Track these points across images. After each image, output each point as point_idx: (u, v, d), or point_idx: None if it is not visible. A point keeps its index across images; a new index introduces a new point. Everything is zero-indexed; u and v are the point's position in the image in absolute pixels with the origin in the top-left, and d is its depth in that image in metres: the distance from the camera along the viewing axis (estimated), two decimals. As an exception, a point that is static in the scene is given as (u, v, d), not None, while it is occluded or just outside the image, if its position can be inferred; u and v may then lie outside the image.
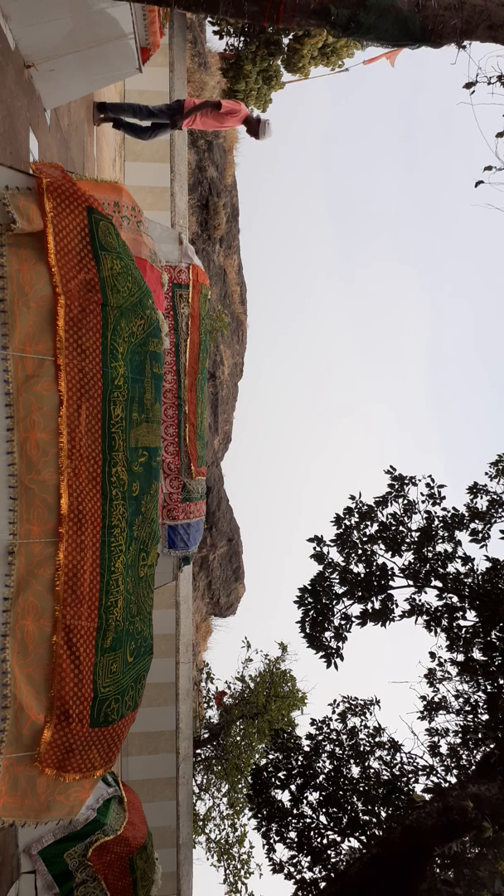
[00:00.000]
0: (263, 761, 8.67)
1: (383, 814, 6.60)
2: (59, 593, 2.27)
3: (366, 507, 7.55)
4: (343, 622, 7.40)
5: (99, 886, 3.78)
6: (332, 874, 6.51)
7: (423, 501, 7.46)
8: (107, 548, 2.37)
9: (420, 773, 6.86)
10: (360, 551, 7.45)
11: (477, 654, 6.84)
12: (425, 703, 7.22)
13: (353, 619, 7.38)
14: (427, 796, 6.25)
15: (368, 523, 7.53)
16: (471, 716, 6.92)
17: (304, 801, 6.88)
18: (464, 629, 6.99)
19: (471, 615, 6.98)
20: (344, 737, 7.21)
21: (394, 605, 7.32)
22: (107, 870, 3.83)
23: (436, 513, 7.36)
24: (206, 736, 12.49)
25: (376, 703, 7.43)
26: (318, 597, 7.44)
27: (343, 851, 6.69)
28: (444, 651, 7.19)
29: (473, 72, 4.47)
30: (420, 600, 7.26)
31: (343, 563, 7.50)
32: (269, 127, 6.61)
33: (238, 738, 12.13)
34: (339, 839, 6.68)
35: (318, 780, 6.89)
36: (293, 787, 6.98)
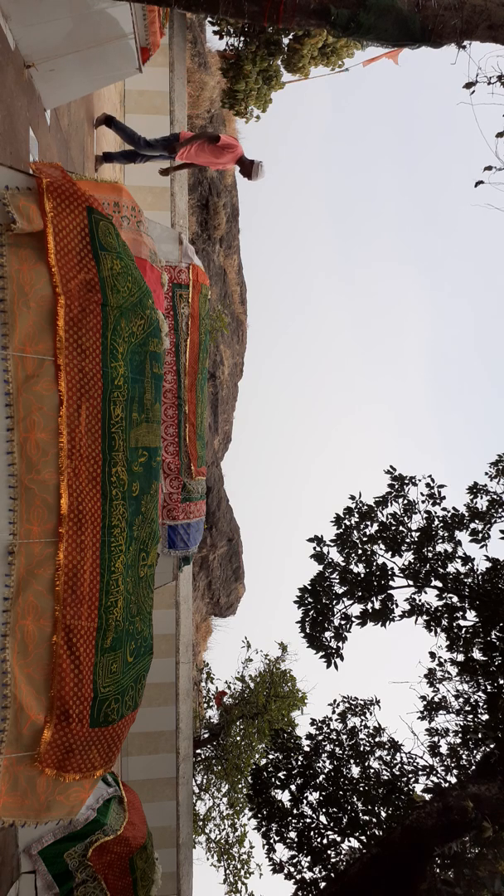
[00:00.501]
0: (263, 761, 8.67)
1: (383, 814, 6.60)
2: (59, 593, 2.27)
3: (366, 507, 7.55)
4: (343, 622, 7.40)
5: (99, 886, 3.78)
6: (332, 874, 6.50)
7: (423, 501, 7.46)
8: (107, 548, 2.36)
9: (420, 773, 6.86)
10: (360, 551, 7.45)
11: (477, 654, 6.84)
12: (425, 703, 7.22)
13: (353, 619, 7.38)
14: (427, 796, 6.25)
15: (368, 523, 7.53)
16: (471, 716, 6.91)
17: (304, 801, 6.88)
18: (464, 629, 6.99)
19: (471, 615, 6.98)
20: (344, 737, 7.21)
21: (394, 605, 7.32)
22: (107, 870, 3.83)
23: (436, 513, 7.36)
24: (206, 736, 12.49)
25: (376, 703, 7.43)
26: (318, 597, 7.44)
27: (343, 851, 6.69)
28: (444, 651, 7.20)
29: (473, 72, 4.47)
30: (420, 600, 7.26)
31: (343, 563, 7.50)
32: (262, 168, 6.57)
33: (238, 738, 12.13)
34: (339, 839, 6.68)
35: (318, 780, 6.89)
36: (293, 787, 6.98)
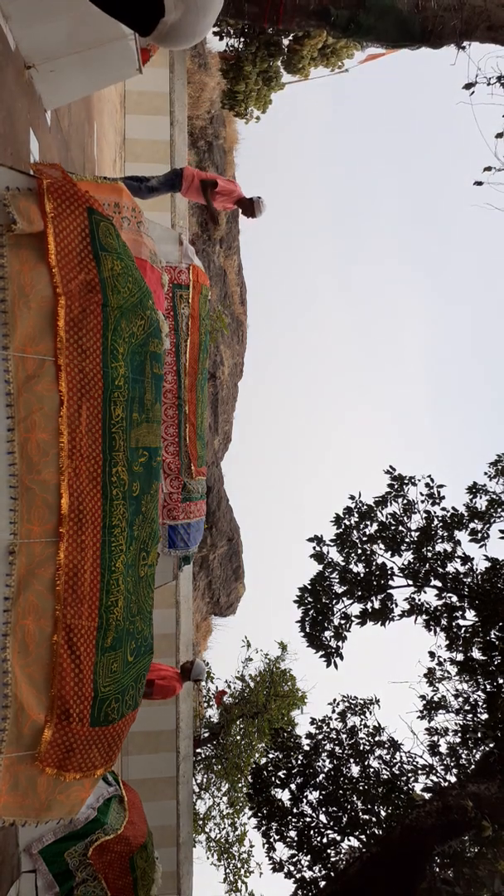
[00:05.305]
0: (263, 760, 8.68)
1: (383, 813, 6.61)
2: (60, 593, 2.27)
3: (365, 507, 7.56)
4: (343, 621, 7.41)
5: (99, 885, 3.79)
6: (332, 873, 6.51)
7: (422, 501, 7.47)
8: (107, 547, 2.37)
9: (420, 772, 6.87)
10: (359, 551, 7.47)
11: (476, 654, 6.85)
12: (425, 702, 7.23)
13: (353, 618, 7.39)
14: (427, 795, 6.27)
15: (368, 523, 7.54)
16: (470, 715, 6.93)
17: (304, 801, 6.89)
18: (463, 629, 7.00)
19: (470, 615, 7.00)
20: (344, 736, 7.22)
21: (393, 605, 7.33)
22: (107, 869, 3.84)
23: (435, 513, 7.37)
24: (206, 735, 12.50)
25: (376, 702, 7.44)
26: (318, 596, 7.45)
27: (343, 850, 6.70)
28: (443, 650, 7.21)
29: (473, 72, 4.47)
30: (419, 600, 7.27)
31: (343, 563, 7.51)
32: (263, 203, 6.54)
33: (238, 738, 12.14)
34: (338, 838, 6.69)
35: (317, 780, 6.90)
36: (293, 787, 6.99)
